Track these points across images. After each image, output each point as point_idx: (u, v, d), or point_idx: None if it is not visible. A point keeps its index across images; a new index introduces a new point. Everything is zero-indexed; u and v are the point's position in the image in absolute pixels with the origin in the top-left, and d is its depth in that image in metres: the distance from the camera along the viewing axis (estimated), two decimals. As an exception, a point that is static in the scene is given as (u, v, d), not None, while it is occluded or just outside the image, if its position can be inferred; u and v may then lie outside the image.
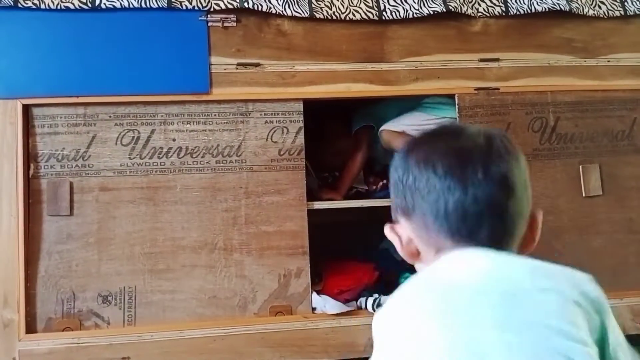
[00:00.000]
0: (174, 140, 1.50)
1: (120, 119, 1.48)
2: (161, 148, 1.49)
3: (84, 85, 1.46)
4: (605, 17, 1.70)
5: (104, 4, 1.47)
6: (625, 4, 1.71)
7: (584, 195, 1.64)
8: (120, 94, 1.47)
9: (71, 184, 1.44)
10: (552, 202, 1.61)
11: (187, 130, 1.50)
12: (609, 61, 1.69)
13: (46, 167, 1.45)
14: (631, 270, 1.62)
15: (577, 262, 0.70)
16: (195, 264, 1.47)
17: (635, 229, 1.65)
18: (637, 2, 1.72)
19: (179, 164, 1.49)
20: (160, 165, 1.49)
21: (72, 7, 1.46)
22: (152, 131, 1.49)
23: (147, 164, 1.48)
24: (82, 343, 1.39)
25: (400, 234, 0.70)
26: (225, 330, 1.44)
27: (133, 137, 1.48)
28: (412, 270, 0.73)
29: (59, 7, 1.46)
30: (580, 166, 1.64)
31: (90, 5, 1.47)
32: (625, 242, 1.64)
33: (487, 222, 0.63)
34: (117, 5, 1.47)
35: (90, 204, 1.45)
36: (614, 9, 1.70)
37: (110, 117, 1.48)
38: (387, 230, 0.72)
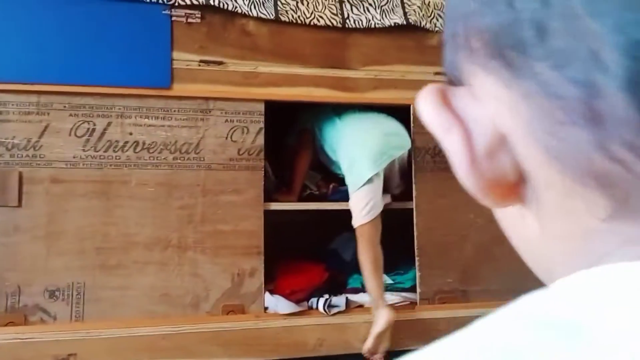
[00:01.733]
0: (130, 134, 1.47)
1: (76, 110, 1.44)
2: (117, 141, 1.46)
3: (38, 72, 1.40)
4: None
5: (63, -11, 1.42)
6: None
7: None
8: (77, 84, 1.43)
9: (20, 174, 1.39)
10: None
11: (145, 125, 1.48)
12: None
13: (-7, 155, 1.39)
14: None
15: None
16: (147, 261, 1.45)
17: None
18: None
19: (135, 158, 1.47)
20: (116, 159, 1.46)
21: (28, -11, 1.40)
22: (109, 124, 1.46)
23: (102, 157, 1.45)
24: (26, 338, 1.34)
25: (472, 115, 0.24)
26: (176, 328, 1.43)
27: (88, 128, 1.44)
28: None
29: (13, -12, 1.39)
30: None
31: (48, -11, 1.41)
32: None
33: None
34: (77, -9, 1.42)
35: (40, 195, 1.40)
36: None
37: (64, 107, 1.43)
38: (427, 100, 0.25)
